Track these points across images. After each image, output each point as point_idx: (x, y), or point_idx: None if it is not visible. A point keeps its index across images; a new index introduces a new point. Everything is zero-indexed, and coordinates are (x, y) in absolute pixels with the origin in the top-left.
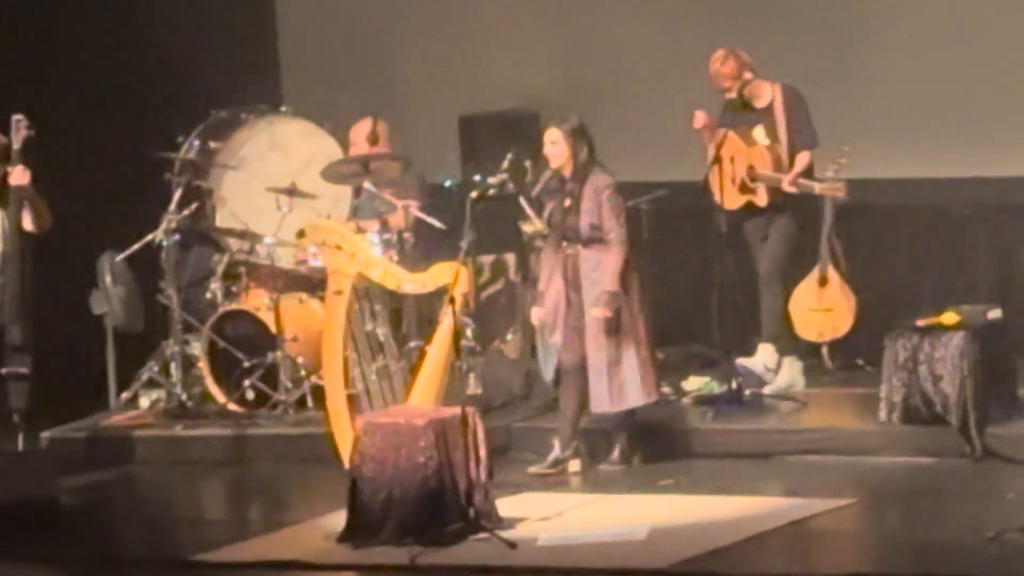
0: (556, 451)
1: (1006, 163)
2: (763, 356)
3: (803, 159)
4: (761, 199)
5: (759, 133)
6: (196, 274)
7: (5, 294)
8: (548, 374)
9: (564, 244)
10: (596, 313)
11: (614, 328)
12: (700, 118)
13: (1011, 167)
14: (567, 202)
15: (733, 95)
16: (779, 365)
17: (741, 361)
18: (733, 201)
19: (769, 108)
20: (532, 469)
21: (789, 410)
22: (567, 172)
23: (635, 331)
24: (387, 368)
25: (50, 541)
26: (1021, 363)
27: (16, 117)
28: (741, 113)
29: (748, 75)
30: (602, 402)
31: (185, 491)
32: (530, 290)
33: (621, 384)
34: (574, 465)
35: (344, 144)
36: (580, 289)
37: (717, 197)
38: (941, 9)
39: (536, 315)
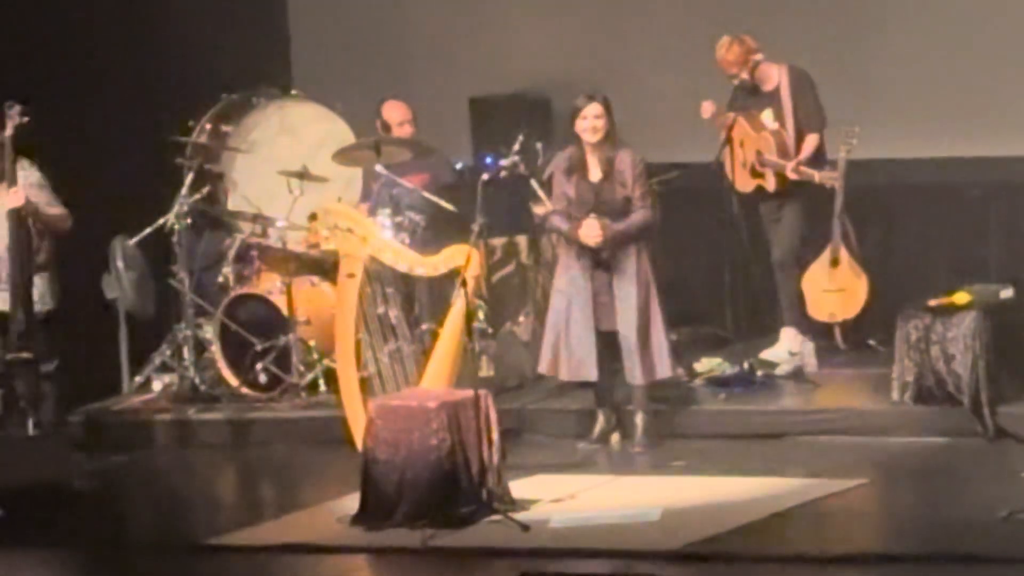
0: (601, 423)
1: (1018, 142)
2: (787, 341)
3: (811, 141)
4: (770, 184)
5: (767, 117)
6: (208, 258)
7: (10, 283)
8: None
9: (592, 216)
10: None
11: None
12: (708, 108)
13: (1022, 146)
14: (594, 176)
15: (746, 77)
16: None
17: (764, 354)
18: (745, 184)
19: (776, 91)
20: (580, 445)
21: (801, 391)
22: (602, 146)
23: (658, 307)
24: (399, 351)
25: (63, 525)
26: None
27: (8, 104)
28: (750, 97)
29: (756, 57)
30: (636, 375)
31: (198, 474)
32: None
33: (652, 358)
34: (615, 438)
35: (354, 127)
36: (608, 263)
37: (730, 178)
38: None
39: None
